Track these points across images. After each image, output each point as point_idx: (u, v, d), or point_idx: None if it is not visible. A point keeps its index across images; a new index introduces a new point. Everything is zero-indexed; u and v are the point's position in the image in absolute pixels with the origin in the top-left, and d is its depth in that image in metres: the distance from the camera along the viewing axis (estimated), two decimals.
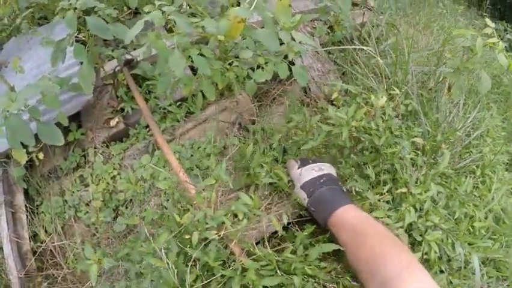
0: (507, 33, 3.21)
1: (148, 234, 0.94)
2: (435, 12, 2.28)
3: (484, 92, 1.18)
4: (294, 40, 1.17)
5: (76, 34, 1.04)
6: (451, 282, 1.04)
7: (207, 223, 0.89)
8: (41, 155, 1.21)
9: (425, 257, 1.04)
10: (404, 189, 1.06)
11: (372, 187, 1.10)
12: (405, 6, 1.77)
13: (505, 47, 2.88)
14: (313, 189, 0.98)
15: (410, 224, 1.05)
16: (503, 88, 2.09)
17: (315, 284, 0.88)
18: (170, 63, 0.92)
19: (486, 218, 1.23)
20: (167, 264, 0.84)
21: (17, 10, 1.34)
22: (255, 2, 0.97)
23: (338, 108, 1.18)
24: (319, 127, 1.10)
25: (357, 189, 1.06)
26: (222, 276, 0.88)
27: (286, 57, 1.07)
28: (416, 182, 1.11)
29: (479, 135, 1.49)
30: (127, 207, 1.23)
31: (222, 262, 0.90)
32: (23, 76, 1.24)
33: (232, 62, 1.15)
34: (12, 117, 0.86)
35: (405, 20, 1.88)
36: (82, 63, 1.12)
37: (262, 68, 1.04)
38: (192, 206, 1.02)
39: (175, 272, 0.83)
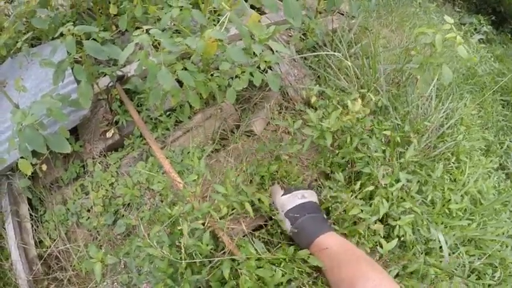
0: (482, 26, 3.47)
1: (144, 232, 1.13)
2: (408, 12, 2.51)
3: (447, 83, 1.38)
4: (271, 49, 1.39)
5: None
6: (428, 262, 1.22)
7: (194, 214, 1.09)
8: (44, 167, 1.40)
9: (402, 239, 1.22)
10: (371, 187, 1.23)
11: (347, 187, 1.27)
12: (373, 9, 1.98)
13: (481, 39, 3.12)
14: (296, 216, 1.08)
15: (386, 214, 1.24)
16: (477, 78, 2.32)
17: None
18: (158, 78, 1.13)
19: (462, 200, 1.42)
20: (162, 253, 1.03)
21: (14, 34, 1.55)
22: (227, 19, 1.18)
23: (316, 109, 1.38)
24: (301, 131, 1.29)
25: (332, 194, 1.24)
26: (211, 267, 1.06)
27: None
28: (386, 175, 1.31)
29: (453, 124, 1.68)
30: (125, 211, 1.43)
31: (211, 249, 1.09)
32: (23, 94, 1.44)
33: (214, 73, 1.36)
34: (27, 129, 1.05)
35: (378, 21, 2.10)
36: (79, 81, 1.33)
37: (239, 77, 1.25)
38: (182, 202, 1.22)
39: (169, 261, 1.02)
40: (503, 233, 1.42)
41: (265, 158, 1.36)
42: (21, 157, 1.32)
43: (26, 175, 1.40)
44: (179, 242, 1.09)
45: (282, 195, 1.15)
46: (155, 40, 1.16)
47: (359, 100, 1.28)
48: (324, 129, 1.22)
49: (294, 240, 1.09)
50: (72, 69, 1.34)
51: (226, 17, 1.09)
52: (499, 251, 1.36)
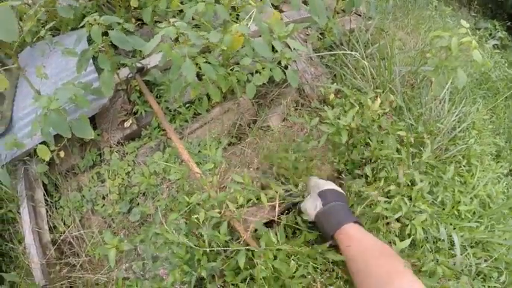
0: (498, 32, 3.52)
1: (161, 219, 1.18)
2: (424, 15, 2.55)
3: (461, 86, 1.42)
4: (289, 47, 1.44)
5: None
6: (437, 260, 1.26)
7: (210, 202, 1.14)
8: (62, 153, 1.45)
9: (412, 237, 1.27)
10: (392, 186, 1.28)
11: (368, 184, 1.33)
12: (390, 11, 2.03)
13: (496, 44, 3.15)
14: (329, 198, 1.10)
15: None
16: (490, 84, 2.36)
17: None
18: (182, 70, 1.18)
19: (471, 202, 1.46)
20: (180, 240, 1.08)
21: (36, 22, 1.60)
22: (253, 16, 1.23)
23: (333, 107, 1.43)
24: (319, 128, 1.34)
25: (356, 189, 1.28)
26: (226, 257, 1.11)
27: (280, 62, 1.34)
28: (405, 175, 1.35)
29: (465, 128, 1.71)
30: (141, 199, 1.48)
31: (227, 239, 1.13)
32: (44, 82, 1.50)
33: (234, 68, 1.41)
34: (53, 114, 1.10)
35: (394, 23, 2.15)
36: (100, 70, 1.38)
37: (260, 72, 1.30)
38: (198, 191, 1.26)
39: (186, 247, 1.07)
40: (510, 237, 1.46)
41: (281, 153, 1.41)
42: (40, 143, 1.38)
43: (44, 161, 1.45)
44: (197, 230, 1.14)
45: (319, 178, 1.20)
46: (179, 33, 1.21)
47: (378, 99, 1.32)
48: (341, 127, 1.27)
49: (318, 223, 1.10)
50: (95, 58, 1.39)
51: (252, 13, 1.14)
52: (506, 255, 1.40)
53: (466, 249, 1.35)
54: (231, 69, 1.42)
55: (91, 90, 1.31)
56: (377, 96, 1.32)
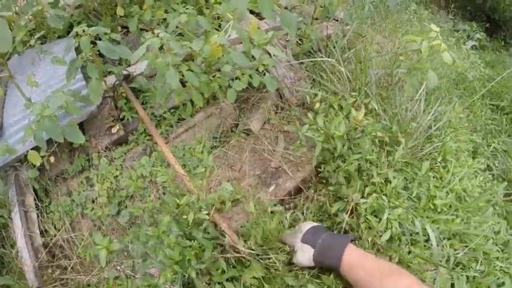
0: (476, 33, 3.72)
1: (151, 220, 1.28)
2: (402, 18, 2.71)
3: (432, 87, 1.55)
4: (268, 53, 1.56)
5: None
6: (412, 252, 1.34)
7: (199, 204, 1.25)
8: (52, 159, 1.54)
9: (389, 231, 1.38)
10: (370, 187, 1.40)
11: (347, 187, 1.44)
12: (367, 17, 2.17)
13: (474, 45, 3.32)
14: (315, 238, 1.15)
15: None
16: (467, 84, 2.52)
17: None
18: (166, 78, 1.29)
19: (447, 196, 1.55)
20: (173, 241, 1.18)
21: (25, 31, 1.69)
22: (230, 26, 1.35)
23: (316, 113, 1.54)
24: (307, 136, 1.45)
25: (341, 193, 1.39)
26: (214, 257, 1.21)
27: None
28: (379, 174, 1.47)
29: (441, 126, 1.82)
30: (129, 202, 1.58)
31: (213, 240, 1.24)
32: (33, 89, 1.59)
33: (216, 74, 1.53)
34: (46, 120, 1.20)
35: (372, 27, 2.29)
36: (88, 78, 1.48)
37: (240, 78, 1.42)
38: (186, 194, 1.37)
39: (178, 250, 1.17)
40: (487, 228, 1.58)
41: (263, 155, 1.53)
42: (31, 149, 1.47)
43: (34, 166, 1.54)
44: (187, 230, 1.25)
45: (289, 233, 1.26)
46: (163, 43, 1.32)
47: (363, 109, 1.44)
48: (335, 136, 1.38)
49: (319, 265, 1.16)
50: (83, 67, 1.49)
51: (229, 25, 1.26)
52: (483, 245, 1.52)
53: (442, 241, 1.47)
54: (213, 76, 1.53)
55: (79, 97, 1.41)
56: (359, 105, 1.44)
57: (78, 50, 1.49)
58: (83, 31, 1.33)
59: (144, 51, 1.26)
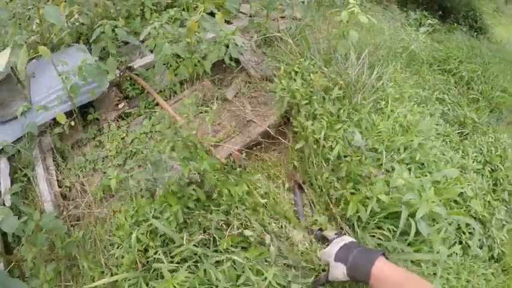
0: (427, 20, 4.41)
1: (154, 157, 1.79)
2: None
3: (354, 41, 2.13)
4: (236, 44, 2.26)
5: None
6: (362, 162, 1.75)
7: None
8: (73, 123, 2.07)
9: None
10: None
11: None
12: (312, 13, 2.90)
13: (428, 30, 4.03)
14: (346, 255, 1.24)
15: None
16: (418, 59, 3.15)
17: None
18: (163, 50, 1.94)
19: (391, 124, 1.96)
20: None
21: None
22: (201, 13, 2.05)
23: (280, 79, 2.13)
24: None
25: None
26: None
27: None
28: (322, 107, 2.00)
29: (385, 82, 2.27)
30: (133, 157, 2.06)
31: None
32: (35, 91, 2.18)
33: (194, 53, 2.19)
34: (87, 67, 1.80)
35: (323, 20, 2.98)
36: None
37: (212, 52, 2.07)
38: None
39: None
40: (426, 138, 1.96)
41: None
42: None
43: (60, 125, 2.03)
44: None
45: (326, 244, 1.41)
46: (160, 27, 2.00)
47: (320, 73, 2.07)
48: (294, 90, 1.98)
49: (352, 279, 1.25)
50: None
51: (201, 12, 1.97)
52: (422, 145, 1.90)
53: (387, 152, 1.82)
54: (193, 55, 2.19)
55: (100, 69, 2.01)
56: (320, 71, 2.07)
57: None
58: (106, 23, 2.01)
59: (148, 32, 1.92)
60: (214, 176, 1.66)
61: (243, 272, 1.37)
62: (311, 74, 2.01)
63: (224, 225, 1.50)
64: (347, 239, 1.36)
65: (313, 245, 1.54)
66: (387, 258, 1.24)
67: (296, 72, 2.09)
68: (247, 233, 1.46)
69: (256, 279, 1.34)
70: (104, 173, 2.04)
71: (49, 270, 1.68)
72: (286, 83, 1.99)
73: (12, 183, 1.99)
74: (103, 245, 1.73)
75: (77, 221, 1.91)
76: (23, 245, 1.73)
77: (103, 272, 1.66)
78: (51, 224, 1.66)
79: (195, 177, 1.58)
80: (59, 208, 1.91)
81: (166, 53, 1.92)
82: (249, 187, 1.67)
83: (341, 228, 1.66)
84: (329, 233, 1.57)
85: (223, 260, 1.42)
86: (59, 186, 2.02)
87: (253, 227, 1.50)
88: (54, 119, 2.06)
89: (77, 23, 2.43)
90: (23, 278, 1.82)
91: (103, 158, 2.09)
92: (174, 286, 1.39)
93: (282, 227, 1.57)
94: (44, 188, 1.93)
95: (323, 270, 1.44)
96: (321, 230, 1.63)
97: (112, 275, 1.55)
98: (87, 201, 1.94)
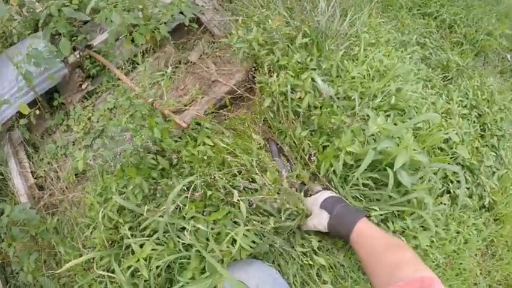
0: None
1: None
2: None
3: None
4: (197, 4, 2.15)
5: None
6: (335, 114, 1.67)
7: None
8: (38, 111, 2.04)
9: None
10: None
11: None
12: None
13: None
14: (332, 207, 1.26)
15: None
16: (396, 5, 3.00)
17: None
18: (112, 19, 1.85)
19: (368, 74, 1.84)
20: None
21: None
22: None
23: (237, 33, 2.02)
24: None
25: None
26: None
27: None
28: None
29: (359, 28, 2.13)
30: (102, 132, 2.03)
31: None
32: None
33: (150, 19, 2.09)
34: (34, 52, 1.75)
35: None
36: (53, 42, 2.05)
37: (165, 13, 1.97)
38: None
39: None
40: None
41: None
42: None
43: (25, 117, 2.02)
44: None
45: (310, 195, 1.43)
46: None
47: (277, 17, 1.96)
48: (250, 39, 1.87)
49: (332, 231, 1.26)
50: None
51: None
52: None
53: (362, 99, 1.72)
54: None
55: (56, 51, 1.95)
56: (278, 15, 1.95)
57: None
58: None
59: (93, 3, 1.83)
60: (176, 141, 1.61)
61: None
62: (270, 21, 1.89)
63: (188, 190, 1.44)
64: (334, 193, 1.37)
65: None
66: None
67: (255, 22, 1.97)
68: (209, 192, 1.41)
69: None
70: (74, 157, 2.02)
71: (31, 262, 1.70)
72: (243, 34, 1.88)
73: None
74: (79, 228, 1.73)
75: (56, 208, 1.91)
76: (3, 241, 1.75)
77: (81, 255, 1.65)
78: (22, 215, 1.67)
79: (150, 145, 1.53)
80: (34, 199, 1.91)
81: (116, 23, 1.83)
82: (214, 144, 1.61)
83: (326, 186, 1.59)
84: (315, 186, 1.52)
85: (189, 229, 1.38)
86: (35, 178, 2.03)
87: (218, 185, 1.45)
88: (19, 112, 2.03)
89: (31, 10, 2.35)
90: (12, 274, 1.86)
91: (73, 142, 2.07)
92: (142, 259, 1.38)
93: (253, 179, 1.50)
94: (18, 182, 1.94)
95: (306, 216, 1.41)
96: (303, 183, 1.57)
97: None
98: (60, 187, 1.94)
